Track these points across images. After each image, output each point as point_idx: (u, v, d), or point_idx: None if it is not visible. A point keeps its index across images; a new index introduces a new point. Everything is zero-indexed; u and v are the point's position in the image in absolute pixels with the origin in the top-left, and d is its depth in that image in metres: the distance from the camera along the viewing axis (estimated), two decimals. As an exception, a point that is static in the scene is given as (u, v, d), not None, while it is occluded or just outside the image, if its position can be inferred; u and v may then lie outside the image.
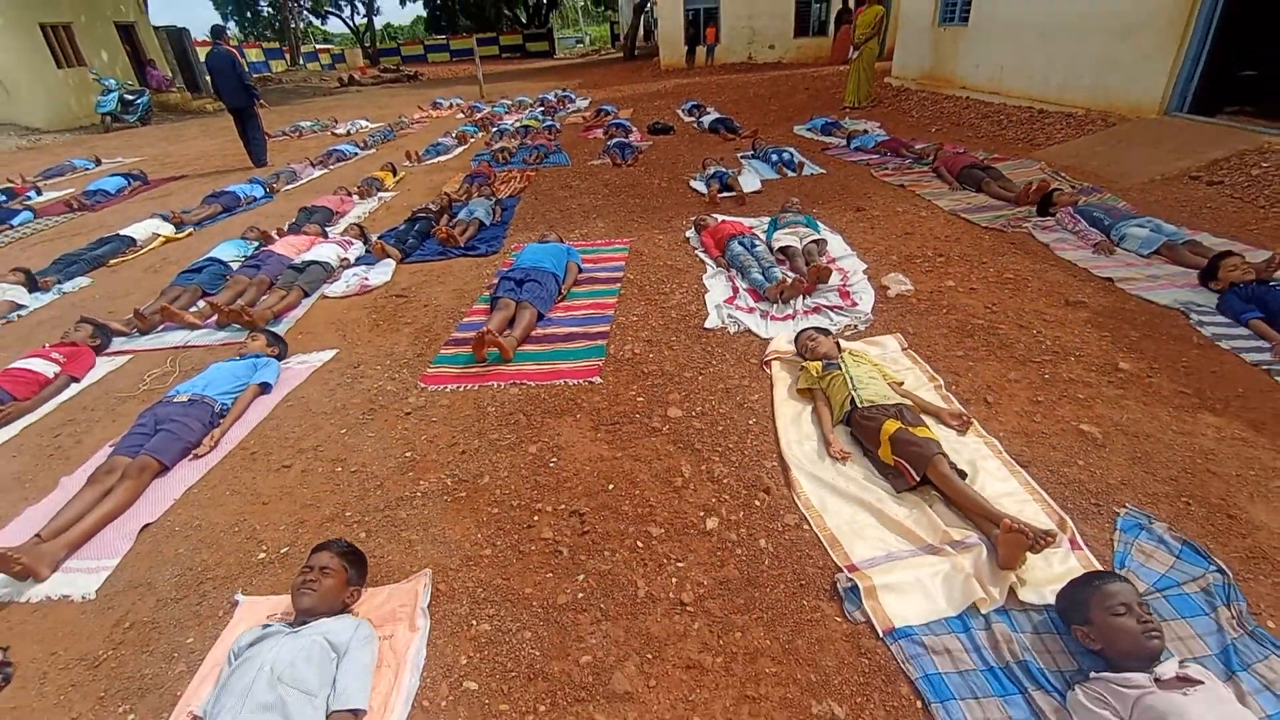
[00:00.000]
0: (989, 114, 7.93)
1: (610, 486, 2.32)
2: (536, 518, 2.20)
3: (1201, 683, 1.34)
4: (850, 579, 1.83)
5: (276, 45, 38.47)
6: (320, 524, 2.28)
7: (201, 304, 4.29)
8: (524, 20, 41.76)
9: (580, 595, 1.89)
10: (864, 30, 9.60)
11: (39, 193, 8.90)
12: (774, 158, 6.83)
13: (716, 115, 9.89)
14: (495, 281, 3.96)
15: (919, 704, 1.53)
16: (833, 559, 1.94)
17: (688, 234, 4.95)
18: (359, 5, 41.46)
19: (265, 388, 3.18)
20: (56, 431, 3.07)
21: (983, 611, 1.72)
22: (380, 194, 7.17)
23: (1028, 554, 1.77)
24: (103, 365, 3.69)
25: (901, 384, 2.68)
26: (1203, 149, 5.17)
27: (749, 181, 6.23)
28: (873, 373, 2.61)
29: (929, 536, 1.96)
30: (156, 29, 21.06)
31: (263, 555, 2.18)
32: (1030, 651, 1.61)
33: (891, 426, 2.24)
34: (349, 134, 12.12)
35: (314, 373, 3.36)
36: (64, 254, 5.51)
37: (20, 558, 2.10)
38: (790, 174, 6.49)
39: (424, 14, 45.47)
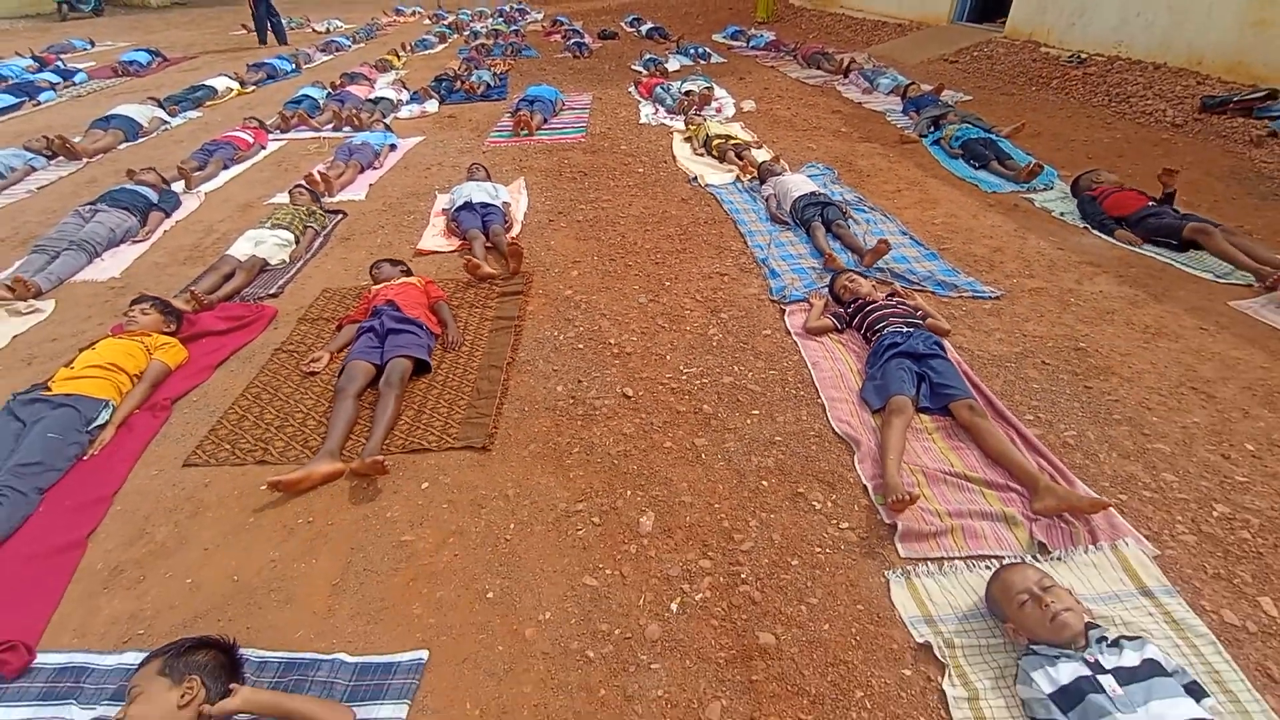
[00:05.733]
0: (850, 25, 10.72)
1: (596, 170, 5.03)
2: (561, 176, 4.90)
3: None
4: (693, 176, 4.67)
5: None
6: (462, 178, 4.88)
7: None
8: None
9: (586, 188, 4.62)
10: (769, -43, 12.02)
11: (63, 64, 10.23)
12: (691, 51, 9.39)
13: (652, 25, 12.21)
14: (515, 104, 6.47)
15: (720, 206, 4.34)
16: (687, 175, 4.74)
17: (629, 89, 7.54)
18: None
19: (393, 146, 5.65)
20: (278, 163, 5.47)
21: (742, 180, 4.57)
22: (395, 71, 9.26)
23: (754, 168, 4.59)
24: (271, 145, 6.00)
25: (735, 137, 5.45)
26: (958, 42, 8.13)
27: (672, 64, 8.79)
28: (719, 128, 5.38)
29: (726, 168, 4.80)
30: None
31: (437, 188, 4.76)
32: (755, 194, 4.47)
33: (717, 140, 5.05)
34: (328, 31, 13.60)
35: (414, 145, 5.84)
36: (169, 95, 7.47)
37: (328, 175, 4.61)
38: (702, 62, 9.08)
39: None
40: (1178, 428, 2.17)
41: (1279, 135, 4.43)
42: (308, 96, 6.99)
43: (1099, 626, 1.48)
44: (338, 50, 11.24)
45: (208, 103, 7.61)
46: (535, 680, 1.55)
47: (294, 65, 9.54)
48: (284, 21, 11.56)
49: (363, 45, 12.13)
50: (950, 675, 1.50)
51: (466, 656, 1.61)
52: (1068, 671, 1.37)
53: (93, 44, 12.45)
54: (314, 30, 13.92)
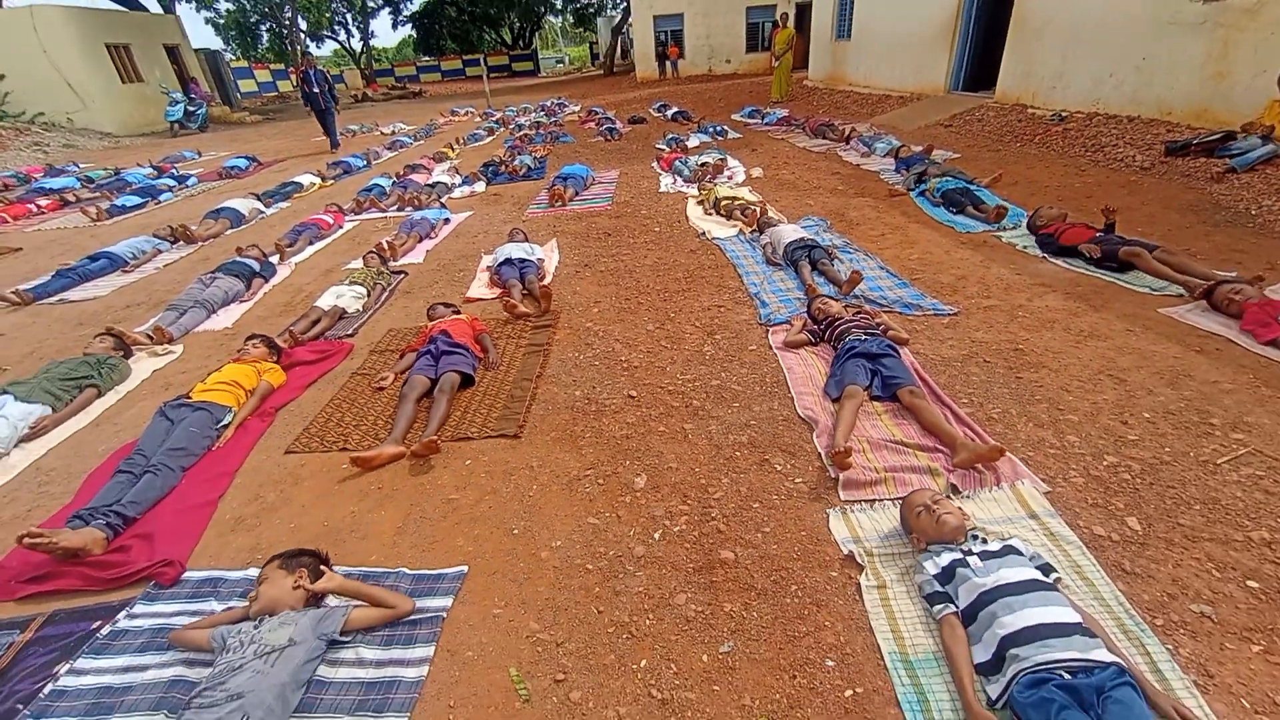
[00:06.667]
0: (858, 99, 11.68)
1: (618, 231, 5.80)
2: (588, 237, 5.67)
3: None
4: (701, 232, 5.35)
5: (281, 67, 41.88)
6: (504, 241, 5.71)
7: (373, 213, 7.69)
8: (508, 42, 45.63)
9: (609, 245, 5.36)
10: (780, 46, 13.35)
11: (177, 171, 12.09)
12: (710, 129, 10.45)
13: (677, 109, 13.54)
14: (551, 181, 7.46)
15: (723, 254, 4.99)
16: (696, 231, 5.44)
17: (652, 164, 8.50)
18: (353, 30, 45.14)
19: (447, 220, 6.63)
20: (353, 238, 6.48)
21: (745, 232, 5.23)
22: (450, 161, 10.63)
23: (755, 222, 5.25)
24: (347, 225, 7.08)
25: (741, 198, 6.18)
26: (953, 109, 8.86)
27: (692, 142, 9.82)
28: (727, 191, 6.13)
29: (732, 223, 5.48)
30: (195, 51, 24.19)
31: (484, 250, 5.60)
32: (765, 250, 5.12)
33: (725, 201, 5.77)
34: (393, 133, 15.54)
35: (464, 219, 6.80)
36: (264, 190, 8.84)
37: (393, 244, 5.51)
38: (719, 138, 10.09)
39: (409, 36, 49.04)
40: (1088, 403, 2.56)
41: (1237, 171, 4.83)
42: (377, 185, 8.20)
43: (979, 529, 1.89)
44: (401, 147, 12.90)
45: (295, 195, 8.94)
46: (547, 584, 2.04)
47: (366, 162, 11.05)
48: (338, 130, 13.53)
49: (422, 143, 13.84)
50: (866, 572, 1.92)
51: (496, 570, 2.12)
52: (947, 558, 1.79)
53: (200, 154, 14.60)
54: (381, 133, 15.91)
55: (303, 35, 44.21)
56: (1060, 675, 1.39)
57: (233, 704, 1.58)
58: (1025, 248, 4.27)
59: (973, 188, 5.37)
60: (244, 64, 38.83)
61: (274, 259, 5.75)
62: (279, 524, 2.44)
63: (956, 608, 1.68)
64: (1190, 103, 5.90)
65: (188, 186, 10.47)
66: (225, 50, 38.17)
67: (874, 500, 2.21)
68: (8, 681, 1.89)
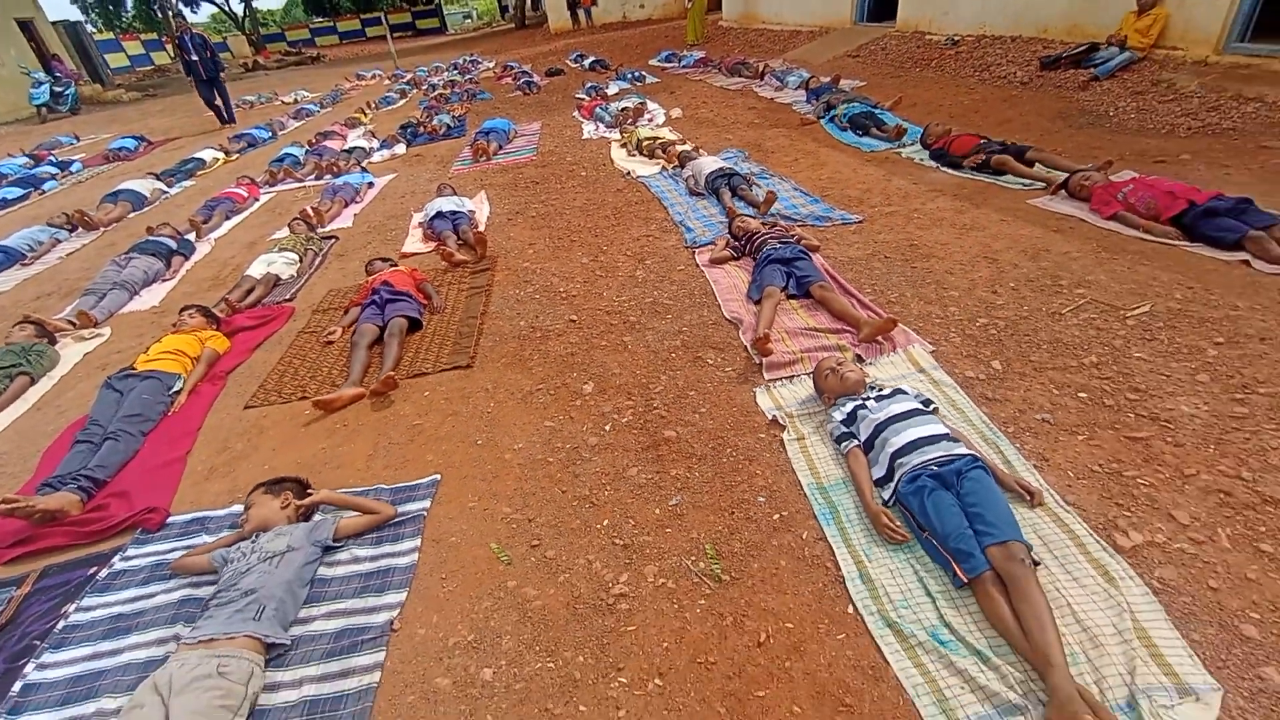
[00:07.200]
0: (771, 36, 11.88)
1: (545, 179, 5.88)
2: (517, 187, 5.74)
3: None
4: (626, 172, 5.52)
5: (154, 37, 37.82)
6: (434, 197, 5.70)
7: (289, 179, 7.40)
8: (409, -2, 42.68)
9: (538, 192, 5.46)
10: (692, -14, 13.26)
11: (55, 158, 11.06)
12: (629, 76, 10.43)
13: (595, 58, 13.33)
14: (473, 137, 7.37)
15: (648, 190, 5.18)
16: (621, 172, 5.60)
17: (574, 113, 8.49)
18: (236, -9, 41.02)
19: (371, 184, 6.50)
20: (272, 210, 6.28)
21: (667, 168, 5.44)
22: (364, 126, 10.20)
23: (676, 157, 5.46)
24: (263, 197, 6.82)
25: (662, 138, 6.35)
26: (859, 40, 9.20)
27: (611, 89, 9.80)
28: (649, 132, 6.28)
29: (655, 162, 5.67)
30: (54, 24, 21.62)
31: (413, 209, 5.58)
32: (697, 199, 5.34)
33: (646, 141, 5.93)
34: (296, 101, 14.61)
35: (389, 182, 6.69)
36: (164, 169, 8.30)
37: (318, 209, 5.42)
38: (638, 84, 10.10)
39: (299, -2, 45.06)
40: (967, 280, 2.98)
41: (1100, 79, 5.38)
42: (289, 154, 7.85)
43: (876, 383, 2.26)
44: (308, 116, 12.21)
45: (199, 173, 8.44)
46: (514, 478, 2.29)
47: (271, 133, 10.46)
48: (232, 102, 12.55)
49: (330, 109, 13.13)
50: (788, 430, 2.26)
51: (466, 475, 2.35)
52: (850, 406, 2.14)
53: (79, 139, 13.33)
54: (282, 102, 14.92)
55: None
56: (931, 468, 1.77)
57: (249, 597, 1.77)
58: (922, 160, 4.69)
59: (876, 111, 5.73)
60: (110, 36, 34.93)
61: (190, 236, 5.55)
62: (252, 468, 2.57)
63: (859, 441, 2.05)
64: (1063, 19, 6.42)
65: (72, 173, 9.67)
66: (85, 21, 34.16)
67: (792, 376, 2.55)
68: (17, 627, 2.00)
